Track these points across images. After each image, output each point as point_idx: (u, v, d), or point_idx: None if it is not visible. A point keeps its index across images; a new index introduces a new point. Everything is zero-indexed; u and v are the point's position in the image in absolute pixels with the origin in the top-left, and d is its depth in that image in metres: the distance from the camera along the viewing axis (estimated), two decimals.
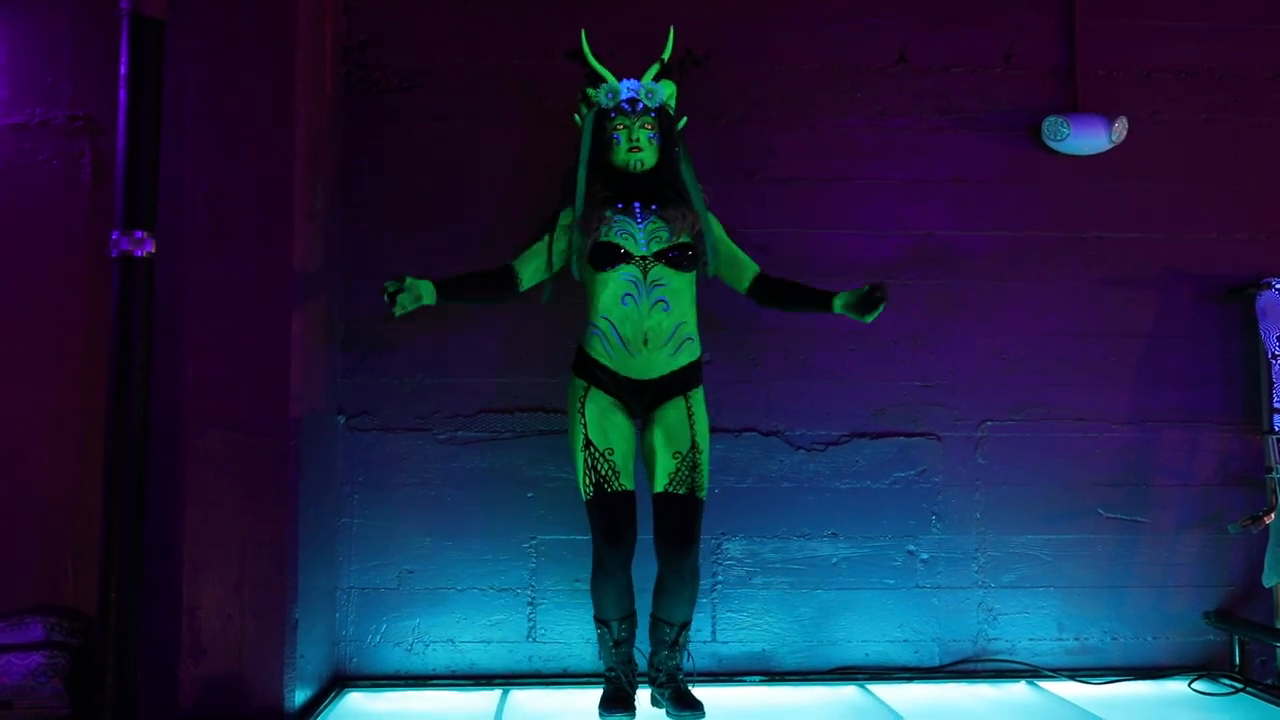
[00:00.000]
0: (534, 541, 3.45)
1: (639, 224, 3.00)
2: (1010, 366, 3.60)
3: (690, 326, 3.03)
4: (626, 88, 3.05)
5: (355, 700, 3.27)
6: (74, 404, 3.12)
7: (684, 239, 3.01)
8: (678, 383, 3.01)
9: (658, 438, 3.00)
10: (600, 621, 3.02)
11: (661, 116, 3.07)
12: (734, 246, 3.16)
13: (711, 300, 3.27)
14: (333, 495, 3.41)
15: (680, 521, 2.94)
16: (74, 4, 3.20)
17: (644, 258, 2.97)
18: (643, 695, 3.07)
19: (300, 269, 3.08)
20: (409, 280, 2.88)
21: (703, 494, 2.98)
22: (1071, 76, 3.65)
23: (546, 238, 3.06)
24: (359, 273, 3.47)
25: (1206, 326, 3.64)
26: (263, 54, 3.06)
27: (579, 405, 2.99)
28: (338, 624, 3.43)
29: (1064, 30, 3.67)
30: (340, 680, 3.40)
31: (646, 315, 2.96)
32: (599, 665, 3.41)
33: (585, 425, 2.96)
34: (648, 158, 3.04)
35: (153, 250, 2.74)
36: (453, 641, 3.42)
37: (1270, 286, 3.50)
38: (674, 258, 2.99)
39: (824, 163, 3.59)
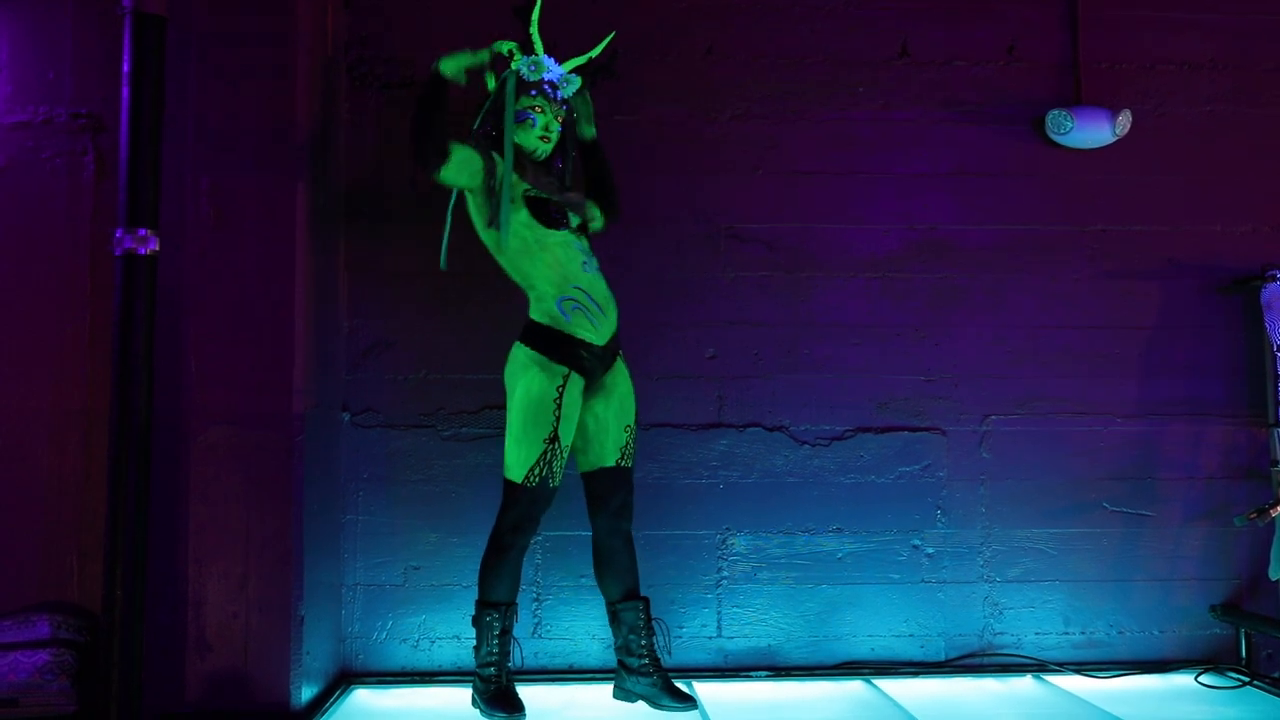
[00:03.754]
0: (539, 538, 3.44)
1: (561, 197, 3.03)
2: (1014, 360, 3.59)
3: None
4: (550, 68, 3.00)
5: (361, 697, 3.27)
6: (78, 401, 3.13)
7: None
8: (615, 346, 3.05)
9: (612, 410, 3.02)
10: (489, 606, 2.93)
11: (570, 110, 3.06)
12: None
13: (717, 298, 3.26)
14: (337, 492, 3.42)
15: (628, 491, 3.04)
16: (76, 2, 3.21)
17: (578, 227, 3.01)
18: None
19: (303, 265, 3.08)
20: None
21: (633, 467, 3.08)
22: (1075, 69, 3.64)
23: (489, 163, 2.92)
24: (362, 269, 3.47)
25: (1211, 319, 3.63)
26: (264, 50, 3.05)
27: (556, 394, 2.88)
28: (343, 620, 3.43)
29: (1067, 23, 3.66)
30: (346, 677, 3.40)
31: (598, 279, 2.98)
32: (605, 661, 3.42)
33: (559, 419, 2.89)
34: (550, 149, 3.03)
35: (156, 248, 2.74)
36: (458, 638, 3.42)
37: (1275, 278, 3.49)
38: (583, 225, 3.04)
39: (827, 156, 3.58)
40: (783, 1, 3.62)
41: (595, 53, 3.11)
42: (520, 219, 2.92)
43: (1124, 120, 3.53)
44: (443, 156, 2.82)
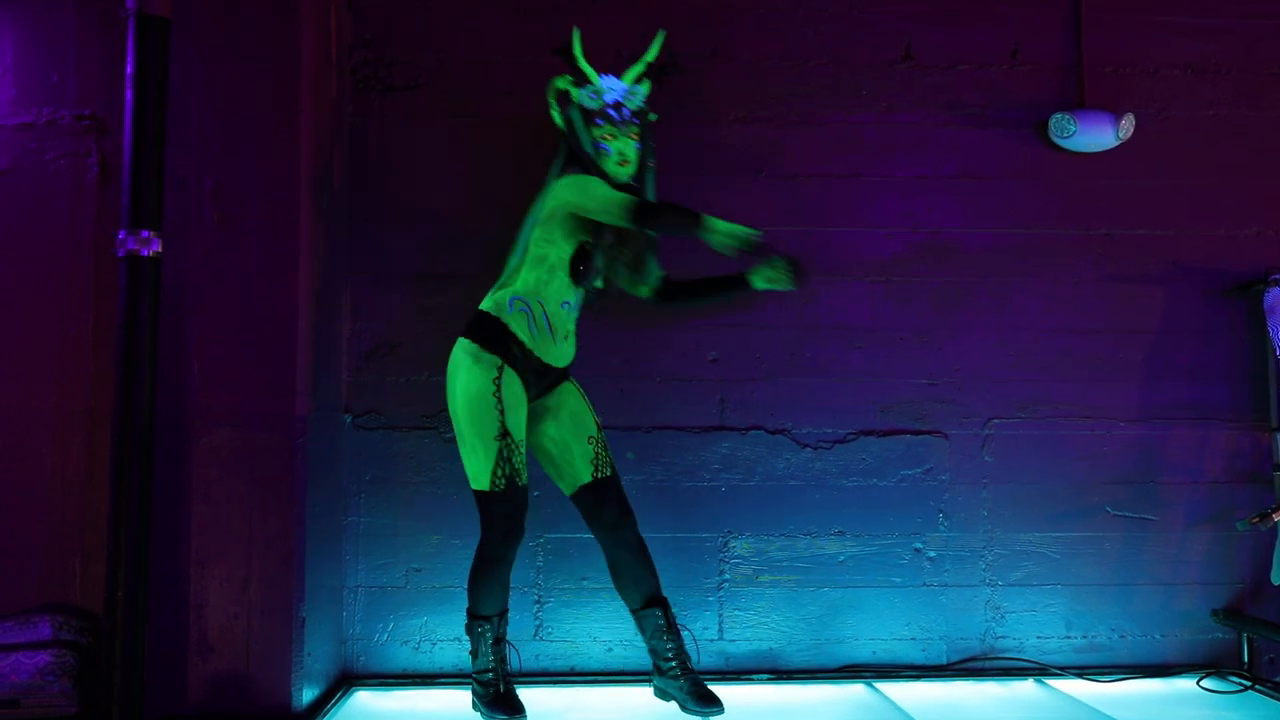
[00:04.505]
0: (540, 540, 3.45)
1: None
2: (1017, 363, 3.59)
3: None
4: (610, 88, 3.00)
5: (363, 699, 3.27)
6: (81, 402, 3.13)
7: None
8: (567, 370, 3.07)
9: (565, 428, 3.00)
10: (480, 619, 2.93)
11: (642, 123, 3.04)
12: None
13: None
14: (339, 493, 3.42)
15: (618, 499, 3.00)
16: (79, 3, 3.20)
17: (600, 288, 3.10)
18: (638, 693, 3.07)
19: (306, 267, 3.08)
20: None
21: (615, 470, 3.05)
22: (1078, 72, 3.64)
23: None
24: (365, 271, 3.48)
25: (1215, 323, 3.63)
26: (268, 52, 3.06)
27: (493, 387, 2.83)
28: (345, 622, 3.43)
29: (1070, 26, 3.66)
30: (348, 679, 3.40)
31: (568, 320, 3.00)
32: (607, 664, 3.43)
33: (503, 412, 2.83)
34: (632, 169, 3.02)
35: (159, 249, 2.74)
36: (460, 640, 3.41)
37: (1279, 282, 3.48)
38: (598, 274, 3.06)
39: (830, 159, 3.58)
40: (786, 4, 3.61)
41: (651, 55, 3.10)
42: (561, 251, 2.94)
43: (1127, 124, 3.53)
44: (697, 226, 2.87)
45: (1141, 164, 3.63)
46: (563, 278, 2.95)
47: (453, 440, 3.45)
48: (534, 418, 3.00)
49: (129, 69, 2.75)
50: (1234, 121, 3.68)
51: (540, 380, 2.97)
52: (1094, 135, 3.52)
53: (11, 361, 3.14)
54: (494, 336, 2.88)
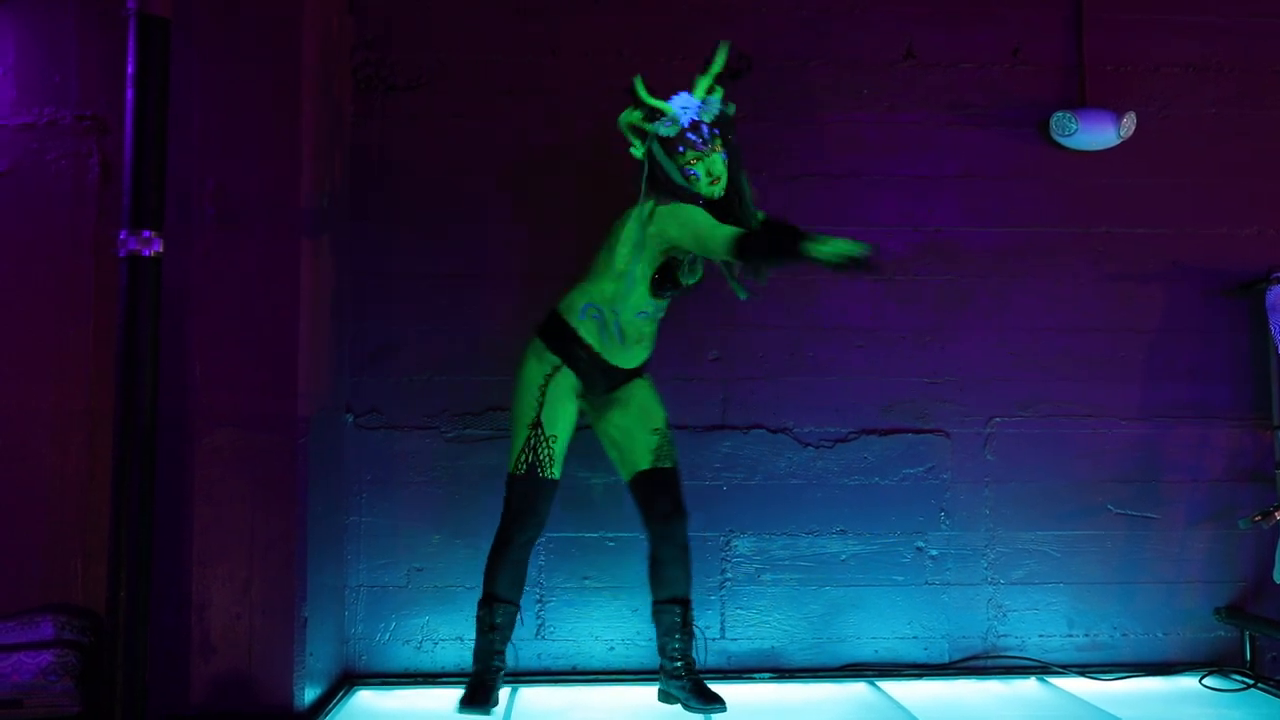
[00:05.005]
0: (542, 539, 3.44)
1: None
2: (1019, 362, 3.59)
3: None
4: (682, 109, 2.93)
5: (365, 698, 3.27)
6: (82, 403, 3.13)
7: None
8: (640, 369, 3.09)
9: (631, 417, 3.04)
10: (489, 599, 2.97)
11: (725, 131, 2.96)
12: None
13: (721, 299, 3.25)
14: (341, 493, 3.42)
15: (674, 493, 3.03)
16: (80, 4, 3.20)
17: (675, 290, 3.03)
18: (639, 691, 3.07)
19: (308, 267, 3.08)
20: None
21: (677, 466, 3.07)
22: (1079, 71, 3.64)
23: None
24: (366, 271, 3.48)
25: (1216, 321, 3.62)
26: (269, 52, 3.05)
27: (541, 381, 2.97)
28: (346, 622, 3.43)
29: (1072, 25, 3.66)
30: (349, 678, 3.40)
31: (645, 327, 3.02)
32: (608, 663, 3.43)
33: (541, 405, 2.96)
34: (724, 183, 2.97)
35: (160, 250, 2.73)
36: (461, 639, 3.42)
37: None
38: (685, 290, 3.04)
39: (832, 159, 3.58)
40: (788, 4, 3.61)
41: (718, 67, 2.99)
42: (645, 268, 2.93)
43: (1129, 123, 3.53)
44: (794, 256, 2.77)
45: (1143, 163, 3.63)
46: (643, 290, 2.96)
47: (454, 440, 3.47)
48: (603, 408, 3.06)
49: (130, 69, 2.74)
50: (1236, 120, 3.68)
51: (609, 379, 3.04)
52: (1095, 134, 3.52)
53: (11, 361, 3.14)
54: (559, 340, 2.98)
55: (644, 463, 3.02)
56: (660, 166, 2.94)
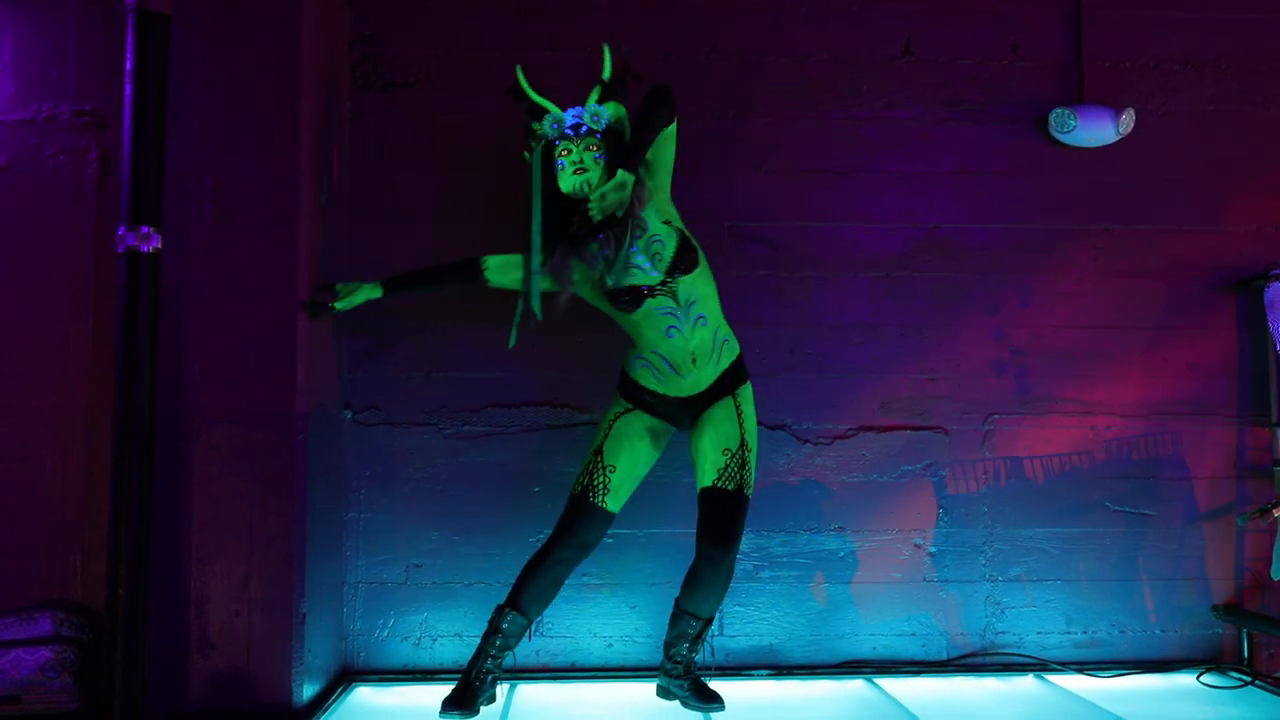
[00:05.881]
0: (541, 536, 3.43)
1: (632, 249, 2.90)
2: (1017, 359, 3.59)
3: (724, 327, 3.04)
4: (571, 115, 2.93)
5: (363, 694, 3.28)
6: (81, 399, 3.13)
7: (672, 237, 2.92)
8: (724, 385, 3.03)
9: (706, 438, 3.01)
10: (506, 607, 2.95)
11: (608, 138, 2.90)
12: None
13: (720, 298, 3.25)
14: (340, 490, 3.42)
15: (726, 517, 2.96)
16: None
17: (663, 282, 2.92)
18: (637, 688, 3.07)
19: (306, 263, 3.08)
20: (340, 287, 3.08)
21: (749, 491, 2.99)
22: (1078, 68, 3.64)
23: (531, 271, 2.94)
24: (365, 266, 3.46)
25: (1214, 318, 3.63)
26: (267, 48, 3.05)
27: (611, 418, 3.06)
28: (345, 618, 3.43)
29: (1070, 21, 3.66)
30: (348, 674, 3.41)
31: (690, 338, 2.96)
32: (606, 660, 3.44)
33: (606, 436, 3.04)
34: (594, 177, 2.88)
35: (159, 245, 2.73)
36: (460, 636, 3.42)
37: (1279, 278, 3.49)
38: (684, 263, 2.92)
39: (830, 155, 3.58)
40: (788, 1, 3.61)
41: (605, 74, 2.98)
42: (606, 305, 3.00)
43: (1127, 119, 3.53)
44: (477, 281, 3.06)
45: (1141, 159, 3.63)
46: (629, 320, 2.98)
47: (453, 436, 3.47)
48: (697, 429, 3.06)
49: (129, 64, 2.74)
50: (1234, 116, 3.68)
51: (689, 408, 3.04)
52: (1094, 130, 3.52)
53: (11, 360, 3.14)
54: (630, 391, 3.08)
55: (706, 480, 3.00)
56: (537, 168, 2.93)
